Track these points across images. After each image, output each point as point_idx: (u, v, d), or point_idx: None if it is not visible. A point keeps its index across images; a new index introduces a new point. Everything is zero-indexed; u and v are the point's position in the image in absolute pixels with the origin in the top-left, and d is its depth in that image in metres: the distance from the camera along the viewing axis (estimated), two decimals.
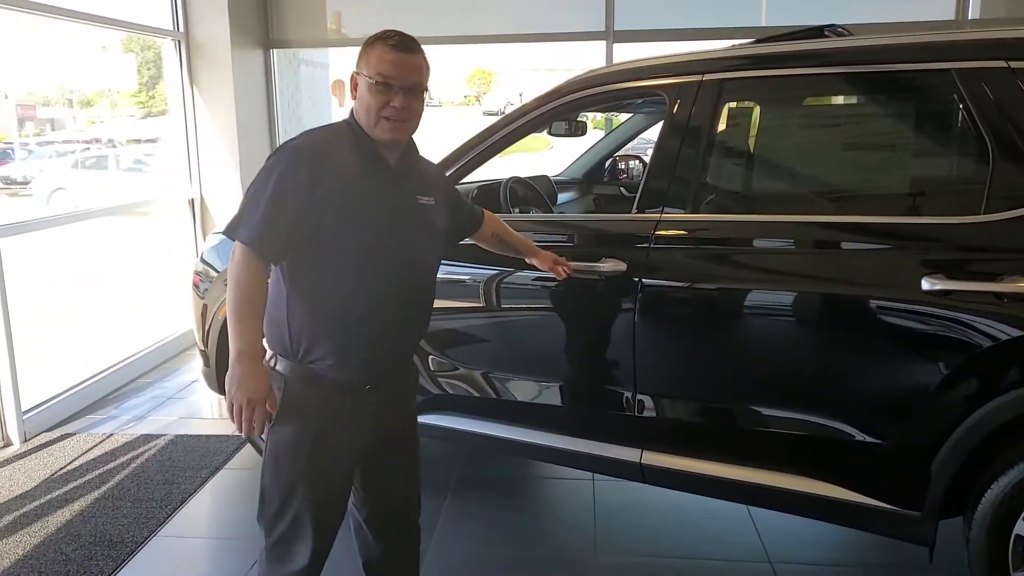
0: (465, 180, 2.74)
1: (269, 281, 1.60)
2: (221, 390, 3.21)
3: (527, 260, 2.22)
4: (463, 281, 2.53)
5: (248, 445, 3.21)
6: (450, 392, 2.65)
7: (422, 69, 1.61)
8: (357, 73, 1.61)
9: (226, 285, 2.94)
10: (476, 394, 2.60)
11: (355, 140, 1.61)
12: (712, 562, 2.45)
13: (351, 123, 1.64)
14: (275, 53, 5.49)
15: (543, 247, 2.23)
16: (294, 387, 1.61)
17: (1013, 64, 1.87)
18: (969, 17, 4.87)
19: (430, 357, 2.64)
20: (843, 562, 2.47)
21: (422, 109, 1.64)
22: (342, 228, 1.56)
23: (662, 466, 2.26)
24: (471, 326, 2.61)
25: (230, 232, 1.56)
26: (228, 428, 3.53)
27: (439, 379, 2.65)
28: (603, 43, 5.10)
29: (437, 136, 2.67)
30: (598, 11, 5.08)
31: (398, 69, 1.57)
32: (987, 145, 1.88)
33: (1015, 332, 1.79)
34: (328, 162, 1.56)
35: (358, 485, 1.82)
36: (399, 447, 1.83)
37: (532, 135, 2.68)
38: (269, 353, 1.64)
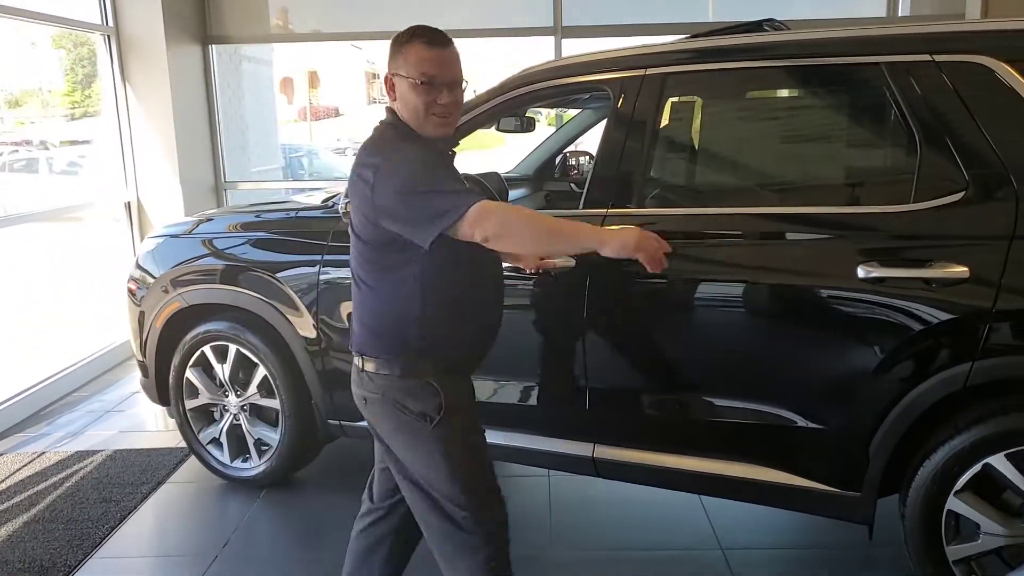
0: None
1: (370, 289, 1.65)
2: (162, 401, 3.14)
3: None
4: None
5: (192, 457, 3.12)
6: None
7: (458, 61, 1.65)
8: (393, 74, 1.62)
9: (164, 291, 2.92)
10: None
11: (416, 137, 1.64)
12: (666, 552, 2.49)
13: (396, 123, 1.65)
14: (214, 49, 5.35)
15: None
16: (443, 382, 1.65)
17: (937, 58, 1.94)
18: (900, 13, 5.04)
19: None
20: (790, 544, 2.54)
21: (463, 100, 1.69)
22: None
23: (614, 459, 2.28)
24: None
25: (450, 219, 1.49)
26: (172, 440, 3.42)
27: None
28: (551, 39, 5.13)
29: None
30: (546, 7, 5.09)
31: (439, 66, 1.60)
32: (915, 136, 1.95)
33: (944, 316, 1.86)
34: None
35: (386, 470, 1.82)
36: None
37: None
38: (377, 364, 1.65)
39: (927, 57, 1.95)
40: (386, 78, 1.64)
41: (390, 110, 1.67)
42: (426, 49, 1.60)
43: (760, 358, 2.12)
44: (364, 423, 2.64)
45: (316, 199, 3.02)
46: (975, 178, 1.88)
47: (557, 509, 2.77)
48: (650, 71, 2.24)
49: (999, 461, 1.87)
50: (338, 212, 2.65)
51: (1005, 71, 1.88)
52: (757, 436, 2.12)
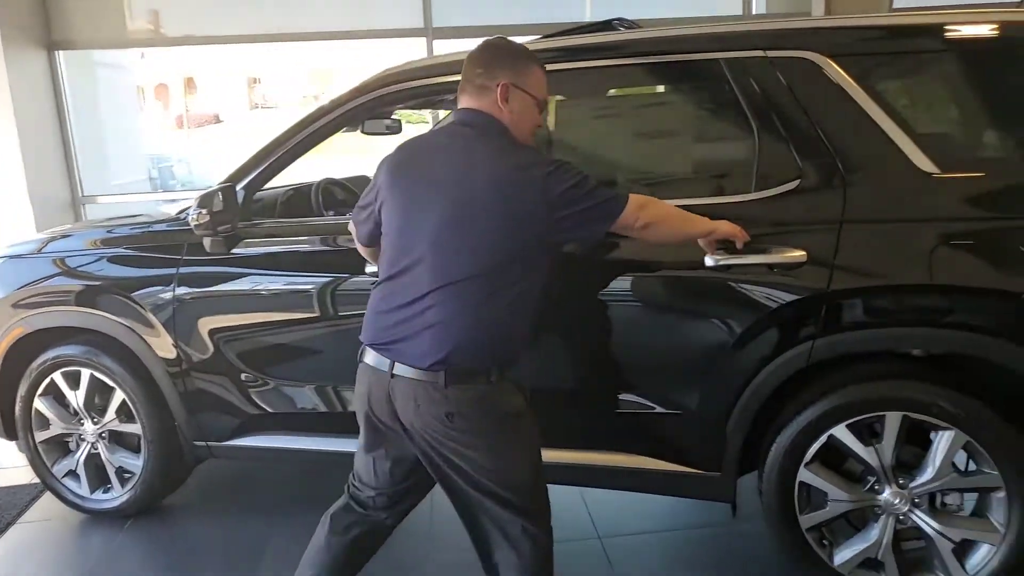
0: (270, 185, 2.63)
1: (481, 301, 1.61)
2: (8, 435, 2.89)
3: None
4: (288, 291, 2.43)
5: (48, 492, 2.89)
6: (271, 410, 2.53)
7: None
8: (515, 86, 1.72)
9: (4, 317, 2.69)
10: (302, 409, 2.50)
11: None
12: None
13: (509, 132, 1.74)
14: (61, 55, 4.99)
15: (343, 252, 2.21)
16: (525, 388, 1.74)
17: (770, 54, 2.04)
18: (754, 12, 5.31)
19: (243, 375, 2.50)
20: (663, 528, 2.61)
21: None
22: None
23: None
24: (294, 339, 2.49)
25: (621, 206, 1.69)
26: (23, 477, 3.14)
27: (256, 398, 2.52)
28: (423, 40, 5.11)
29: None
30: (415, 8, 5.06)
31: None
32: (753, 129, 2.04)
33: (786, 298, 1.96)
34: None
35: (409, 487, 1.83)
36: None
37: None
38: (468, 374, 1.63)
39: (760, 53, 2.05)
40: (504, 86, 1.71)
41: (496, 119, 1.72)
42: (545, 75, 1.79)
43: (619, 348, 2.16)
44: (232, 442, 2.59)
45: (174, 210, 2.86)
46: (808, 167, 1.99)
47: (438, 511, 2.73)
48: None
49: (841, 432, 1.99)
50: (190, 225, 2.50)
51: (830, 66, 2.00)
52: (621, 424, 2.18)
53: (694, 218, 1.85)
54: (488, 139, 1.70)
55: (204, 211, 2.34)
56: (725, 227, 1.88)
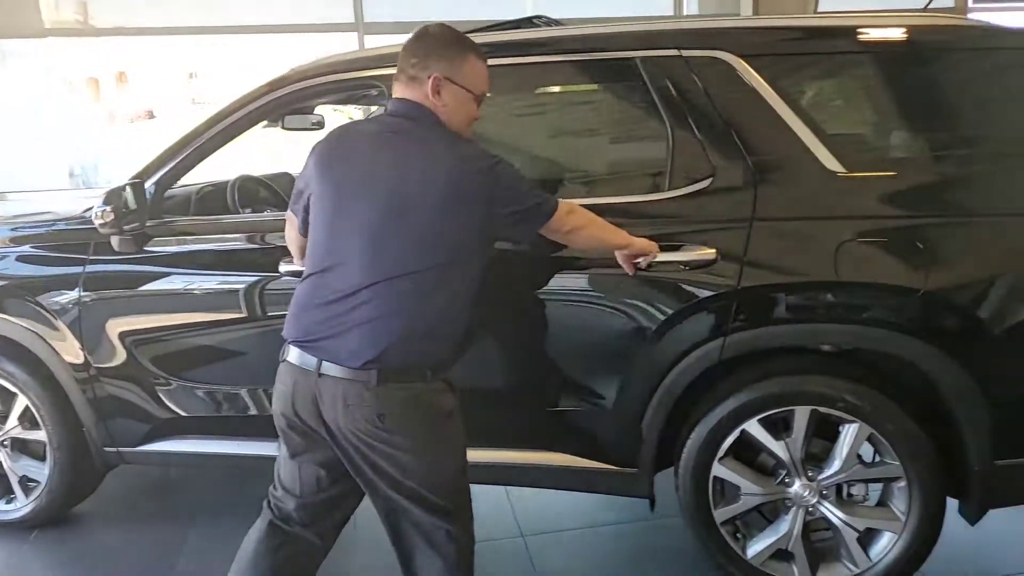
0: (183, 183, 2.54)
1: (423, 297, 1.57)
2: None
3: None
4: (201, 291, 2.36)
5: None
6: (183, 413, 2.44)
7: None
8: (448, 79, 1.65)
9: None
10: (216, 411, 2.43)
11: None
12: None
13: (444, 124, 1.68)
14: None
15: (260, 251, 2.15)
16: (454, 387, 1.69)
17: (685, 53, 2.06)
18: (685, 12, 5.38)
19: (153, 377, 2.41)
20: (584, 524, 2.61)
21: None
22: None
23: None
24: (206, 340, 2.41)
25: (552, 208, 1.72)
26: None
27: (167, 400, 2.44)
28: (355, 35, 5.04)
29: None
30: (347, 3, 4.98)
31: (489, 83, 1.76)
32: (667, 127, 2.06)
33: (697, 295, 1.98)
34: None
35: (335, 496, 1.73)
36: None
37: None
38: (404, 374, 1.58)
39: (676, 52, 2.06)
40: (436, 79, 1.64)
41: (429, 110, 1.66)
42: (485, 66, 1.72)
43: (534, 346, 2.15)
44: (144, 448, 2.50)
45: (81, 208, 2.74)
46: (720, 166, 2.01)
47: (361, 517, 2.69)
48: None
49: (753, 427, 2.02)
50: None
51: (742, 67, 2.03)
52: (540, 422, 2.17)
53: (614, 229, 1.88)
54: (426, 131, 1.65)
55: (109, 209, 2.25)
56: (640, 243, 1.90)
